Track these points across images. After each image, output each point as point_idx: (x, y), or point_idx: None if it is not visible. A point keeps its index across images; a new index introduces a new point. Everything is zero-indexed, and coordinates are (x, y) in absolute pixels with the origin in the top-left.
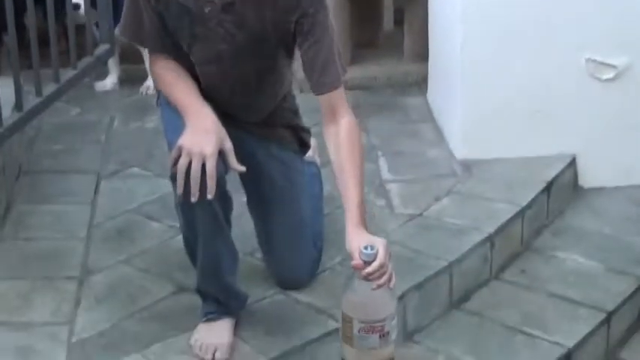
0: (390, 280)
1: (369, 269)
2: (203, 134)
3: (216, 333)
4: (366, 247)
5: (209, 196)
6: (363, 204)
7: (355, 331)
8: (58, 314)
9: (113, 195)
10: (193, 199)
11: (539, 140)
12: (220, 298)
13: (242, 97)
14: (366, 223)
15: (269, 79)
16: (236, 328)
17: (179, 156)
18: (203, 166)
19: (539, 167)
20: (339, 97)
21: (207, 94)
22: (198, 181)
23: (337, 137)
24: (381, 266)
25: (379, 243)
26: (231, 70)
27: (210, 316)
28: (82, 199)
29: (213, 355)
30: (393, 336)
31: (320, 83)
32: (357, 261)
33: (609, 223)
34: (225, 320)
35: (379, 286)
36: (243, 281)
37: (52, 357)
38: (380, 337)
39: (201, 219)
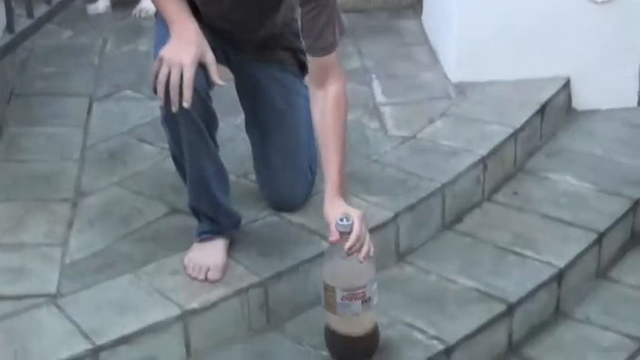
0: (368, 251)
1: (347, 244)
2: (184, 45)
3: (210, 253)
4: (341, 219)
5: (185, 105)
6: (343, 172)
7: (338, 299)
8: (51, 236)
9: (106, 117)
10: (174, 108)
11: (533, 63)
12: (212, 216)
13: (242, 33)
14: (346, 191)
15: (271, 17)
16: (229, 249)
17: (161, 68)
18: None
19: (533, 89)
20: (332, 61)
21: (208, 24)
22: (177, 89)
23: (324, 102)
24: (358, 238)
25: (355, 214)
26: (232, 11)
27: (203, 236)
28: (75, 122)
29: (206, 274)
30: (375, 300)
31: (315, 47)
32: (333, 234)
33: (602, 145)
34: (219, 240)
35: (363, 259)
36: (236, 203)
37: (45, 278)
38: (362, 302)
39: (185, 134)
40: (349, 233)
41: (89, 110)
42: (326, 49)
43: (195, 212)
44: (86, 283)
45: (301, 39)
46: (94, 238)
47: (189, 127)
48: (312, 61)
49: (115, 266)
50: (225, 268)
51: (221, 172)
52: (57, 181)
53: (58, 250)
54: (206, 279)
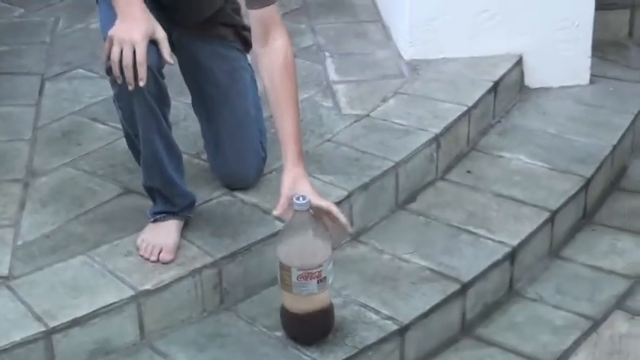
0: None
1: (342, 221)
2: (132, 22)
3: (163, 234)
4: (297, 198)
5: (141, 83)
6: (300, 137)
7: (294, 278)
8: (2, 217)
9: (58, 97)
10: (130, 87)
11: (486, 40)
12: (167, 195)
13: (185, 8)
14: (303, 156)
15: None
16: (183, 230)
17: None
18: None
19: (486, 67)
20: (274, 14)
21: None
22: (131, 67)
23: (270, 60)
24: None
25: (310, 193)
26: None
27: (157, 217)
28: (27, 101)
29: (158, 255)
30: (330, 280)
31: None
32: (280, 208)
33: (555, 123)
34: (172, 221)
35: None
36: (189, 183)
37: None
38: (318, 282)
39: (138, 112)
40: (303, 212)
41: (41, 89)
42: (265, 0)
43: (150, 192)
44: (38, 265)
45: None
46: (47, 219)
47: (141, 105)
48: (252, 17)
49: (67, 247)
50: (177, 249)
51: (174, 152)
52: (8, 161)
53: (10, 232)
54: (158, 260)
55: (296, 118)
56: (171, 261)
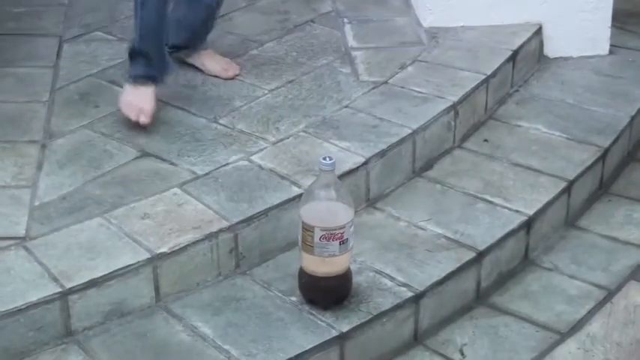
0: None
1: None
2: None
3: (142, 97)
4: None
5: None
6: None
7: (316, 239)
8: (19, 178)
9: (76, 59)
10: None
11: (506, 8)
12: (153, 58)
13: None
14: None
15: None
16: (201, 194)
17: None
18: None
19: (506, 36)
20: None
21: None
22: None
23: None
24: None
25: None
26: None
27: (138, 80)
28: (45, 63)
29: (137, 117)
30: (351, 243)
31: None
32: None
33: (573, 93)
34: (151, 88)
35: None
36: (207, 147)
37: (14, 220)
38: (340, 243)
39: None
40: (328, 172)
41: (59, 51)
42: None
43: (135, 55)
44: (55, 226)
45: None
46: (64, 180)
47: None
48: None
49: (84, 209)
50: (154, 114)
51: (166, 21)
52: (26, 123)
53: (27, 192)
54: (138, 121)
55: None
56: (148, 124)
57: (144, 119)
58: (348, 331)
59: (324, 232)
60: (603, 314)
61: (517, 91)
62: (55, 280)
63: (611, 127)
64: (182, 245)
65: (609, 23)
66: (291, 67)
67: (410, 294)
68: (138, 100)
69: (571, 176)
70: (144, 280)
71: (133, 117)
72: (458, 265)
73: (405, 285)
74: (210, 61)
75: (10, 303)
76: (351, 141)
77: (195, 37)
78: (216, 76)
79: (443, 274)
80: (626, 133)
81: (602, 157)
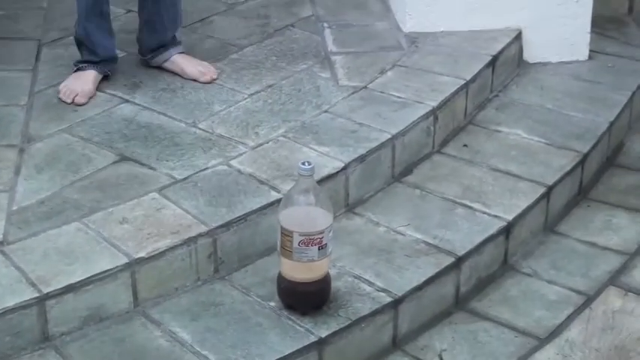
0: None
1: None
2: None
3: (82, 81)
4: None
5: None
6: None
7: (295, 244)
8: None
9: (55, 62)
10: None
11: (485, 14)
12: (89, 46)
13: None
14: None
15: None
16: (179, 199)
17: None
18: None
19: (485, 41)
20: None
21: None
22: None
23: None
24: None
25: None
26: None
27: (80, 66)
28: (23, 66)
29: (74, 98)
30: (330, 248)
31: None
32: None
33: (552, 98)
34: (91, 71)
35: None
36: (186, 152)
37: None
38: (319, 248)
39: None
40: (307, 177)
41: (38, 54)
42: None
43: (79, 44)
44: (33, 231)
45: None
46: (42, 185)
47: None
48: None
49: (62, 214)
50: (91, 97)
51: (101, 11)
52: (4, 127)
53: (5, 197)
54: (73, 102)
55: None
56: (84, 104)
57: (79, 99)
58: (327, 337)
59: (303, 237)
60: (582, 320)
61: (497, 96)
62: (33, 285)
63: (590, 132)
64: (160, 250)
65: (589, 29)
66: (271, 72)
67: (389, 299)
68: (76, 84)
69: (550, 181)
70: (122, 285)
71: (68, 100)
72: (437, 270)
73: (383, 290)
74: (187, 64)
75: None
76: (331, 146)
77: (167, 34)
78: (194, 80)
79: (422, 280)
80: (605, 139)
81: (582, 163)
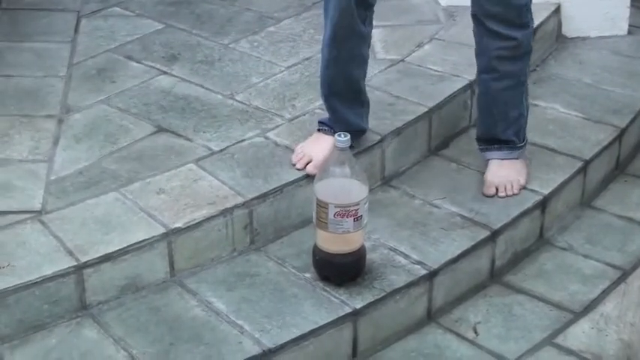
0: None
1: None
2: None
3: (318, 147)
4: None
5: None
6: None
7: (331, 215)
8: (36, 152)
9: (93, 34)
10: None
11: None
12: (336, 110)
13: None
14: None
15: None
16: (215, 169)
17: None
18: None
19: None
20: None
21: None
22: None
23: None
24: None
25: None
26: None
27: (320, 127)
28: (63, 38)
29: (305, 165)
30: (365, 220)
31: None
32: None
33: (591, 73)
34: (328, 136)
35: None
36: (222, 124)
37: (31, 193)
38: (354, 220)
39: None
40: (343, 149)
41: (77, 26)
42: None
43: (326, 102)
44: (71, 201)
45: None
46: (80, 155)
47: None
48: None
49: (100, 184)
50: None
51: (350, 87)
52: (43, 97)
53: (44, 167)
54: (304, 169)
55: None
56: (313, 175)
57: (311, 169)
58: (362, 308)
59: (338, 209)
60: (617, 294)
61: (534, 70)
62: (70, 253)
63: (628, 107)
64: (197, 221)
65: (628, 3)
66: (308, 44)
67: (424, 272)
68: (313, 149)
69: (587, 156)
70: (158, 255)
71: (299, 165)
72: (472, 243)
73: (419, 263)
74: (494, 173)
75: (26, 276)
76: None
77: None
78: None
79: (457, 253)
80: None
81: (619, 138)
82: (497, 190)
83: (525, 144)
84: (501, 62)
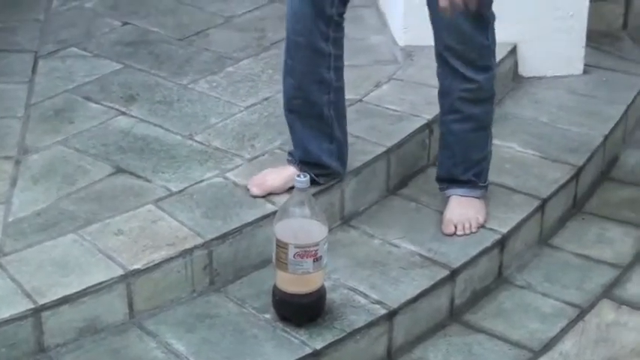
0: None
1: None
2: None
3: (278, 173)
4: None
5: None
6: None
7: (290, 256)
8: None
9: (51, 75)
10: None
11: None
12: (296, 139)
13: None
14: None
15: None
16: (174, 211)
17: None
18: None
19: None
20: None
21: None
22: None
23: None
24: None
25: None
26: None
27: (288, 158)
28: (20, 78)
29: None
30: (325, 261)
31: None
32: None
33: (547, 112)
34: (290, 169)
35: None
36: (181, 164)
37: None
38: (314, 261)
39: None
40: (302, 190)
41: (34, 67)
42: None
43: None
44: (29, 242)
45: None
46: (38, 196)
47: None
48: None
49: (58, 225)
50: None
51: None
52: (0, 139)
53: (1, 208)
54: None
55: None
56: (257, 196)
57: (254, 190)
58: (322, 349)
59: (298, 250)
60: (576, 332)
61: None
62: (28, 296)
63: (584, 145)
64: (156, 262)
65: (584, 43)
66: (267, 85)
67: (383, 311)
68: (270, 172)
69: (545, 194)
70: (117, 296)
71: (248, 185)
72: (432, 282)
73: (378, 302)
74: (453, 211)
75: None
76: None
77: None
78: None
79: (417, 292)
80: (600, 152)
81: (576, 176)
82: (455, 228)
83: (487, 185)
84: (464, 104)
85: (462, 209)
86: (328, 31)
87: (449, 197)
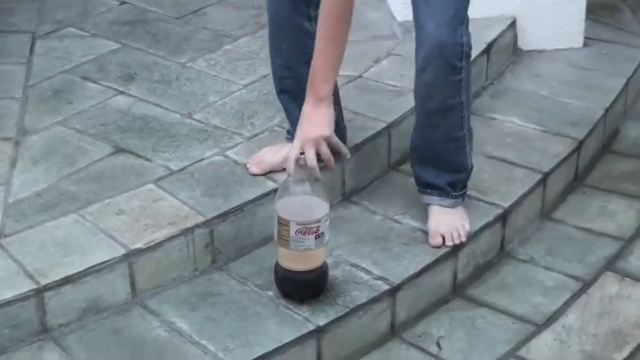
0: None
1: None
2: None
3: (277, 151)
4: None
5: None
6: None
7: (292, 233)
8: None
9: (49, 55)
10: None
11: (480, 2)
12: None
13: None
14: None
15: None
16: (176, 190)
17: None
18: None
19: (479, 29)
20: None
21: None
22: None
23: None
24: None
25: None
26: None
27: (287, 136)
28: (17, 59)
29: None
30: (327, 237)
31: None
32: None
33: (547, 85)
34: (285, 142)
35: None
36: (181, 143)
37: None
38: (315, 237)
39: None
40: (303, 167)
41: (32, 47)
42: None
43: None
44: (30, 223)
45: None
46: (38, 177)
47: None
48: None
49: (59, 206)
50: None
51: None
52: None
53: (1, 190)
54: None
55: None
56: (256, 174)
57: (254, 169)
58: (325, 325)
59: (299, 227)
60: (579, 305)
61: (491, 84)
62: (31, 277)
63: (585, 119)
64: (157, 241)
65: (583, 16)
66: (265, 62)
67: (386, 287)
68: (269, 149)
69: (546, 168)
70: (119, 276)
71: (247, 164)
72: (434, 258)
73: (381, 278)
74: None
75: None
76: None
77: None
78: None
79: (419, 267)
80: (601, 125)
81: (577, 149)
82: (444, 239)
83: (465, 193)
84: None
85: (447, 218)
86: (309, 10)
87: (428, 205)
